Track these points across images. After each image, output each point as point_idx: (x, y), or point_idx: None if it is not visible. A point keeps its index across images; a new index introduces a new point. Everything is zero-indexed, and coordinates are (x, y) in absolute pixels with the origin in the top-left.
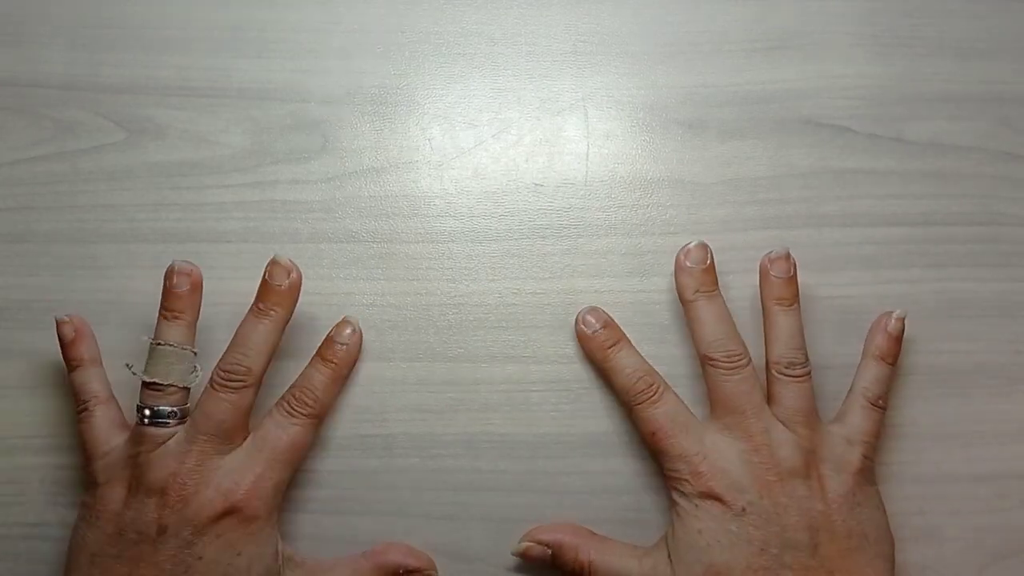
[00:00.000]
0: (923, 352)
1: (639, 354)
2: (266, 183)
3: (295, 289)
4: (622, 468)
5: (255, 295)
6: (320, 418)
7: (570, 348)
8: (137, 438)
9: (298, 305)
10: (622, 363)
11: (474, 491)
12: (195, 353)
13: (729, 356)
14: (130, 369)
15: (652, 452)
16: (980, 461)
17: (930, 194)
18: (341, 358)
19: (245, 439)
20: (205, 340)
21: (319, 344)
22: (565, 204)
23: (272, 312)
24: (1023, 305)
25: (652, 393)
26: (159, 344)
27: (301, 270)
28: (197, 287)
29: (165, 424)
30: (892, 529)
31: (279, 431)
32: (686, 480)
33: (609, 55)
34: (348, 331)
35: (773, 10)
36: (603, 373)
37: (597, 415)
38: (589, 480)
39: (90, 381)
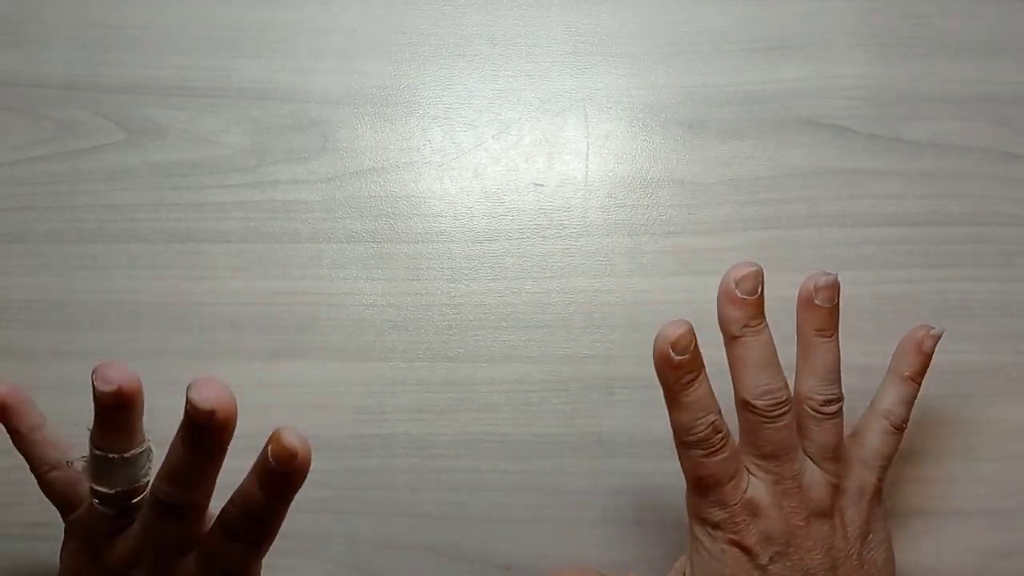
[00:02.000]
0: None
1: (711, 389)
2: (266, 183)
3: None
4: (622, 468)
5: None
6: (271, 535)
7: (570, 348)
8: (88, 515)
9: (297, 305)
10: (698, 402)
11: (474, 491)
12: (146, 449)
13: (776, 404)
14: (70, 465)
15: (690, 488)
16: (980, 461)
17: (930, 194)
18: (279, 484)
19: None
20: (206, 342)
21: (314, 344)
22: (565, 204)
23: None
24: (1023, 305)
25: (719, 442)
26: (98, 454)
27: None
28: (128, 402)
29: (118, 518)
30: (892, 530)
31: (226, 555)
32: (717, 525)
33: (609, 55)
34: (283, 454)
35: (773, 10)
36: (668, 402)
37: (597, 415)
38: (589, 480)
39: (34, 449)
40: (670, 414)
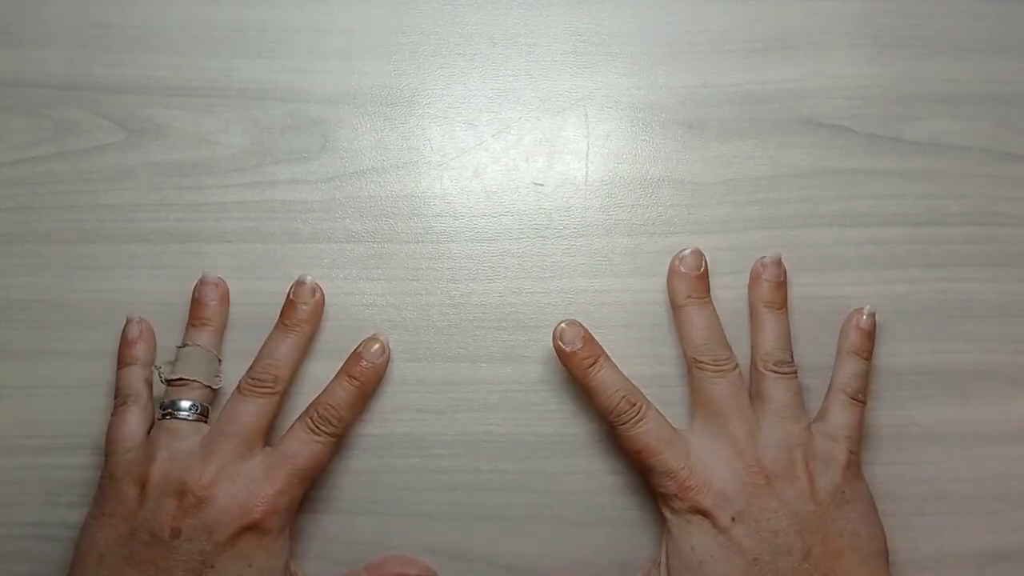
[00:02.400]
0: (923, 352)
1: (618, 370)
2: (266, 183)
3: (319, 308)
4: (622, 468)
5: (280, 312)
6: (342, 436)
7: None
8: (157, 434)
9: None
10: (604, 382)
11: (474, 491)
12: (220, 360)
13: (716, 360)
14: (158, 371)
15: (639, 471)
16: (980, 461)
17: (930, 194)
18: (367, 377)
19: (264, 449)
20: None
21: (314, 344)
22: (565, 204)
23: (298, 328)
24: (1023, 305)
25: (635, 412)
26: (187, 346)
27: (320, 286)
28: (224, 299)
29: (185, 418)
30: (892, 529)
31: (301, 447)
32: (675, 496)
33: (609, 55)
34: (376, 348)
35: (773, 10)
36: (584, 391)
37: (597, 415)
38: (589, 480)
39: (136, 380)
40: (592, 402)
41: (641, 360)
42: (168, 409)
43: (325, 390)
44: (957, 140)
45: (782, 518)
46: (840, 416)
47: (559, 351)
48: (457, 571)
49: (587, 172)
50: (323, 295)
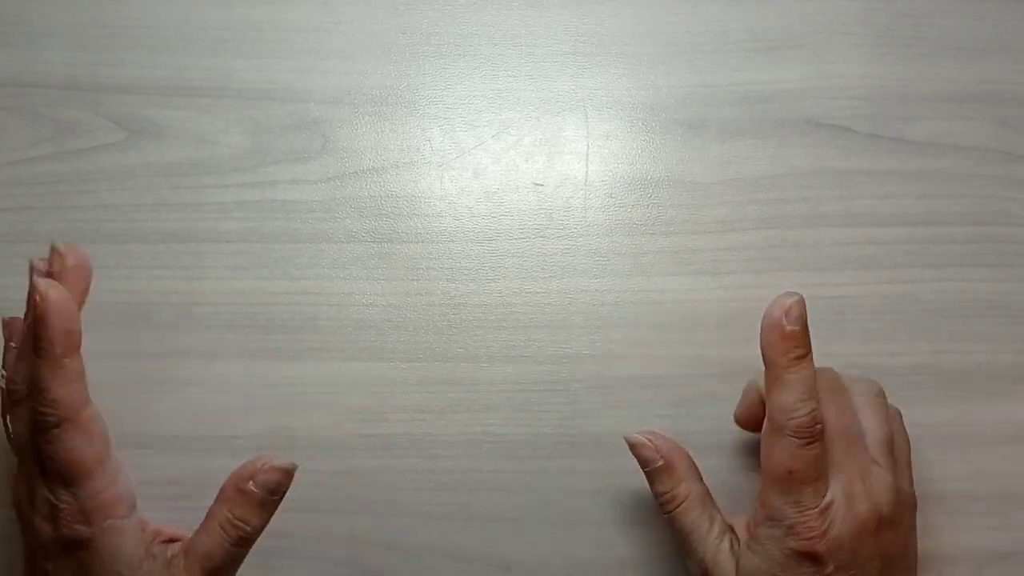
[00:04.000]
0: (923, 352)
1: (816, 375)
2: (266, 183)
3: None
4: (622, 468)
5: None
6: (72, 418)
7: (570, 348)
8: None
9: (297, 305)
10: (803, 384)
11: (474, 491)
12: None
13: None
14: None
15: (768, 484)
16: (980, 461)
17: (930, 194)
18: (44, 338)
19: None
20: (206, 342)
21: (314, 344)
22: (565, 204)
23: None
24: (1023, 305)
25: (815, 434)
26: None
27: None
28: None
29: None
30: None
31: (42, 453)
32: (790, 531)
33: (609, 55)
34: (35, 298)
35: (773, 10)
36: (769, 380)
37: (597, 415)
38: (589, 480)
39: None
40: (770, 395)
41: (641, 360)
42: None
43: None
44: (957, 140)
45: (874, 565)
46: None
47: (775, 326)
48: (457, 571)
49: (587, 172)
50: (61, 296)
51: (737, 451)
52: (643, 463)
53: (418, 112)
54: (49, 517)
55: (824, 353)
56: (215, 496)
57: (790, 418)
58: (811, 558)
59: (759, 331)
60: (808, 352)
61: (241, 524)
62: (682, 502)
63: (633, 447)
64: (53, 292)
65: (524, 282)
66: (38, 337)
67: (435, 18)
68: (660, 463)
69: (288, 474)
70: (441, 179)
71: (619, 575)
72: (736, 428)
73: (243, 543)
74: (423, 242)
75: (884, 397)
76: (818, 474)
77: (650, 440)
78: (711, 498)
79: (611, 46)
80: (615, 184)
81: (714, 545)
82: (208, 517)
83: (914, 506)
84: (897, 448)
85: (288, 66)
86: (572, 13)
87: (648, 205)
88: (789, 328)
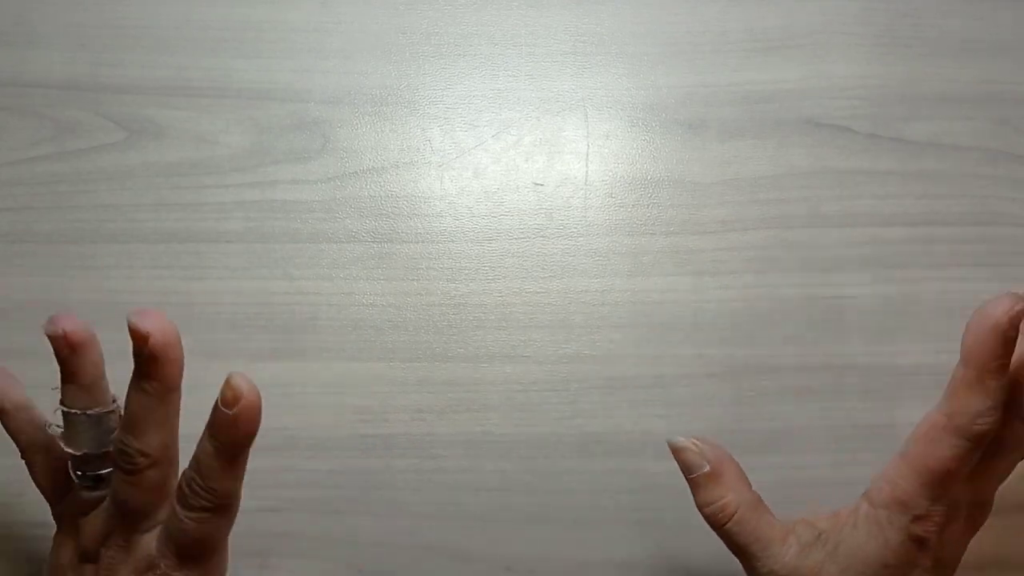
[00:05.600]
0: (923, 352)
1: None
2: (266, 183)
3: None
4: (622, 468)
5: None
6: (226, 506)
7: (570, 348)
8: (72, 498)
9: (297, 305)
10: (998, 391)
11: (474, 491)
12: (113, 411)
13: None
14: (48, 428)
15: (926, 473)
16: None
17: (930, 194)
18: (228, 435)
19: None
20: (206, 342)
21: (314, 344)
22: (565, 204)
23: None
24: None
25: (986, 444)
26: (64, 410)
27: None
28: (77, 348)
29: (93, 488)
30: None
31: (178, 524)
32: (917, 517)
33: (609, 55)
34: (231, 396)
35: (773, 10)
36: (968, 381)
37: (597, 415)
38: (589, 480)
39: (21, 431)
40: (960, 393)
41: (641, 360)
42: (77, 478)
43: (194, 453)
44: (957, 140)
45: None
46: None
47: (998, 326)
48: (457, 571)
49: (587, 172)
50: (256, 399)
51: (737, 452)
52: (687, 469)
53: (418, 112)
54: (142, 572)
55: (824, 353)
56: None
57: (976, 423)
58: (922, 544)
59: (967, 325)
60: (1009, 361)
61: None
62: (734, 513)
63: (676, 452)
64: (252, 397)
65: (524, 282)
66: (222, 433)
67: (435, 18)
68: (707, 469)
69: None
70: (441, 179)
71: (619, 575)
72: (736, 428)
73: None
74: (423, 242)
75: None
76: (961, 476)
77: (695, 444)
78: (764, 504)
79: (611, 46)
80: (615, 184)
81: (782, 552)
82: None
83: None
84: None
85: (288, 66)
86: (572, 13)
87: (648, 205)
88: (1008, 333)
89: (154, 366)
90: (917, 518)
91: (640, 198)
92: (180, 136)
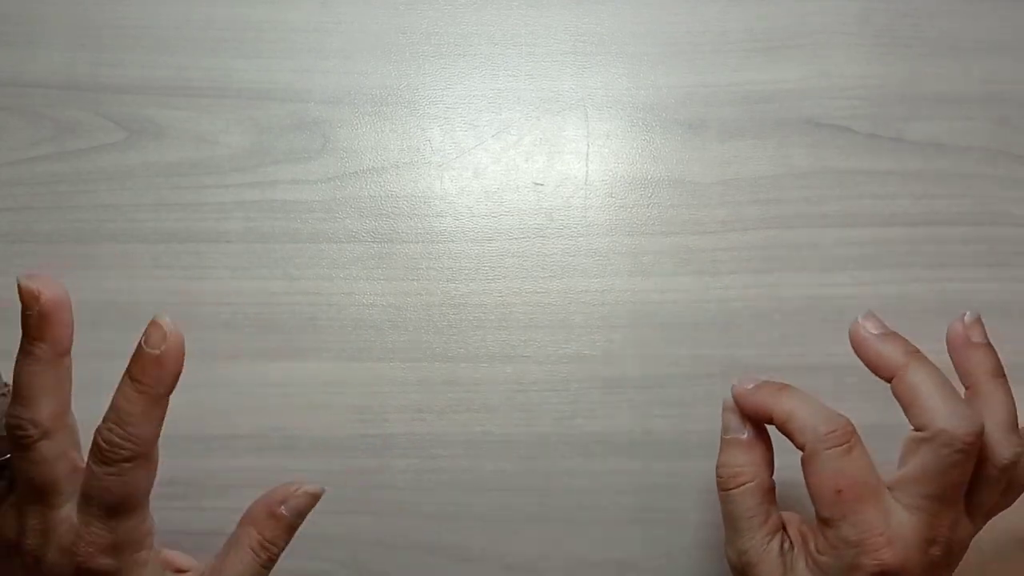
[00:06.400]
0: (924, 352)
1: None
2: (266, 183)
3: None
4: (622, 468)
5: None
6: (145, 455)
7: (570, 348)
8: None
9: (297, 305)
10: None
11: (474, 491)
12: (3, 394)
13: (970, 443)
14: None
15: (824, 511)
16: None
17: (930, 194)
18: (153, 375)
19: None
20: (206, 342)
21: (314, 344)
22: (565, 204)
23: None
24: (1023, 305)
25: (851, 438)
26: None
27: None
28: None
29: None
30: None
31: (97, 484)
32: (857, 554)
33: (609, 55)
34: (160, 334)
35: (773, 10)
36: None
37: (597, 415)
38: (589, 480)
39: None
40: (786, 421)
41: (641, 360)
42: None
43: (111, 402)
44: (957, 140)
45: None
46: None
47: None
48: (457, 571)
49: (587, 172)
50: (181, 338)
51: None
52: (725, 429)
53: (418, 112)
54: (68, 548)
55: (825, 353)
56: (240, 521)
57: (816, 432)
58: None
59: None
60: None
61: (271, 546)
62: (744, 483)
63: (725, 410)
64: (177, 336)
65: (524, 282)
66: (146, 374)
67: (435, 18)
68: (744, 436)
69: (317, 498)
70: (441, 179)
71: (619, 575)
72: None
73: (271, 564)
74: (423, 242)
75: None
76: (873, 492)
77: (746, 401)
78: (774, 494)
79: (611, 46)
80: (615, 184)
81: (763, 540)
82: (235, 543)
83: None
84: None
85: (288, 66)
86: (572, 13)
87: (648, 205)
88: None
89: (44, 326)
90: (855, 544)
91: (640, 198)
92: (180, 136)
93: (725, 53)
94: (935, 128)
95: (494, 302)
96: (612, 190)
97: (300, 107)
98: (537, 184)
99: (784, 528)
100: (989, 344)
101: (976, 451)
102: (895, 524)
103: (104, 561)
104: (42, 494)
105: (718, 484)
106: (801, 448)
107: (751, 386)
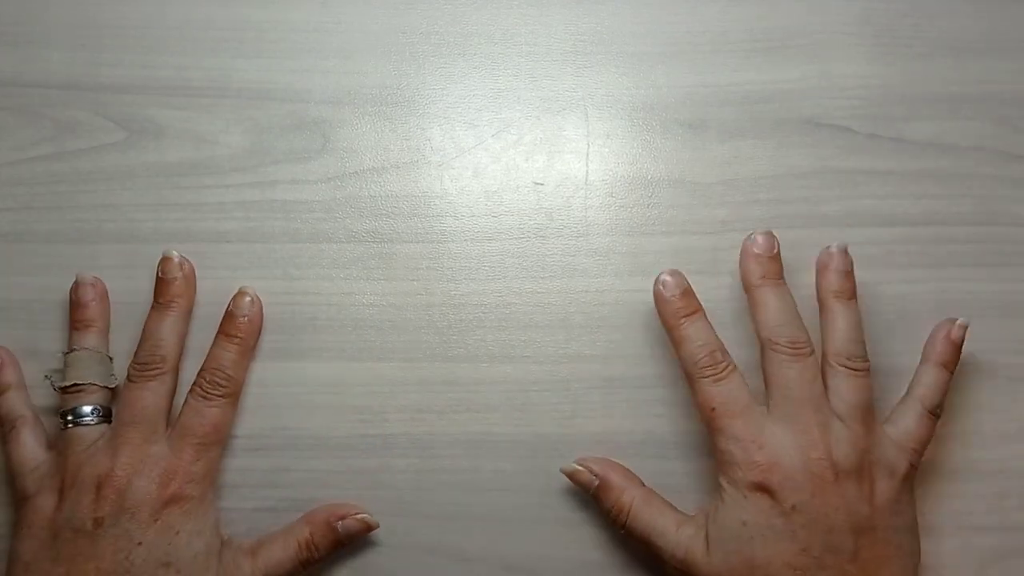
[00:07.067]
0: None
1: (713, 330)
2: (266, 183)
3: (190, 280)
4: None
5: (154, 293)
6: (236, 395)
7: (570, 348)
8: (64, 443)
9: (297, 305)
10: (693, 334)
11: (474, 491)
12: (111, 359)
13: (793, 342)
14: (49, 380)
15: (708, 431)
16: (980, 460)
17: (930, 194)
18: (245, 331)
19: (168, 430)
20: (206, 342)
21: (314, 344)
22: (565, 204)
23: (174, 304)
24: (1023, 305)
25: (718, 369)
26: (74, 350)
27: (194, 263)
28: (104, 298)
29: (89, 423)
30: None
31: (197, 417)
32: (738, 466)
33: (609, 55)
34: (246, 300)
35: (773, 10)
36: (671, 340)
37: (597, 415)
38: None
39: (17, 405)
40: (677, 353)
41: (641, 360)
42: (70, 417)
43: (208, 355)
44: (957, 140)
45: (839, 516)
46: (913, 427)
47: (657, 295)
48: (457, 571)
49: (587, 172)
50: (192, 267)
51: None
52: (583, 488)
53: (418, 112)
54: (159, 476)
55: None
56: (303, 516)
57: (693, 364)
58: (768, 491)
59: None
60: (696, 312)
61: (315, 549)
62: (628, 510)
63: (570, 477)
64: (259, 303)
65: (524, 282)
66: (239, 330)
67: (435, 18)
68: (597, 482)
69: (369, 529)
70: (441, 179)
71: (619, 575)
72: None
73: (305, 567)
74: (423, 242)
75: (867, 374)
76: (743, 406)
77: (581, 465)
78: (658, 496)
79: (611, 46)
80: (615, 184)
81: (675, 537)
82: (289, 531)
83: (902, 478)
84: (885, 432)
85: (288, 66)
86: (572, 13)
87: (648, 205)
88: (668, 294)
89: (187, 288)
90: (738, 467)
91: (640, 198)
92: (180, 136)
93: (725, 53)
94: (935, 128)
95: (494, 302)
96: (612, 190)
97: (300, 107)
98: (537, 184)
99: (690, 516)
100: (846, 272)
101: (806, 356)
102: (768, 433)
103: (190, 489)
104: (145, 426)
105: (615, 527)
106: (686, 376)
107: (668, 294)
